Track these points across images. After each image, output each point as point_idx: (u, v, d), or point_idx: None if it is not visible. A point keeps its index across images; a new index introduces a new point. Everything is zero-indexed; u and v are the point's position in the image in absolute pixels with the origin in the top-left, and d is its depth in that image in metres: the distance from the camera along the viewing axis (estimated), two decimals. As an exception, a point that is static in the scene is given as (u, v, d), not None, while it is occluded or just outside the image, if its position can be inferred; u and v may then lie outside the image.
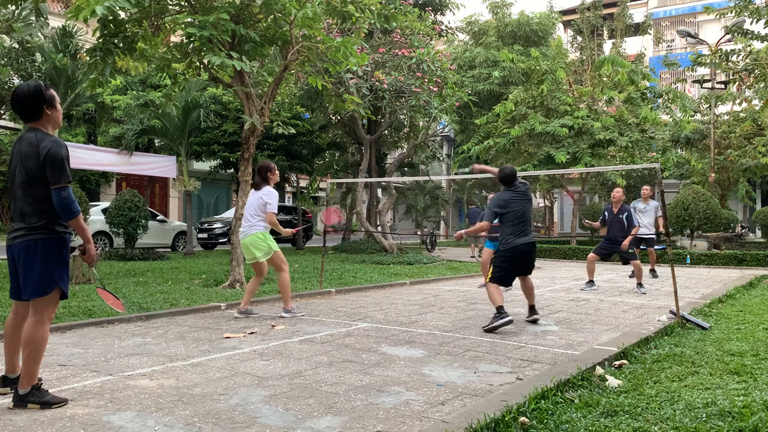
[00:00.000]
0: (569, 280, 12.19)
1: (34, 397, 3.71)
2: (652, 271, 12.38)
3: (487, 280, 6.52)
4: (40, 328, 3.74)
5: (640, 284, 10.00)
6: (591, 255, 10.35)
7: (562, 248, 18.66)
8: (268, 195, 7.03)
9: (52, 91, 3.86)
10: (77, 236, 3.89)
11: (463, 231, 6.94)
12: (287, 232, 7.52)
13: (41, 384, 3.79)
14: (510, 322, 6.24)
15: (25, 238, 3.72)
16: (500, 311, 6.27)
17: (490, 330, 6.24)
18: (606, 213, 10.24)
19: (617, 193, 10.23)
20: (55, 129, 3.87)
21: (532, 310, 6.87)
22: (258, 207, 7.03)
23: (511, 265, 6.53)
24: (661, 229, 11.29)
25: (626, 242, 9.80)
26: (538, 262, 16.78)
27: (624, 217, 9.97)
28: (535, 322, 6.78)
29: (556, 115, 19.77)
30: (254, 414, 3.65)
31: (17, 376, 3.89)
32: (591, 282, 10.35)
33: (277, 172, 7.32)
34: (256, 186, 7.20)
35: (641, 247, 12.29)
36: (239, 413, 3.66)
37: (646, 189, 12.13)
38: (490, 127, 21.74)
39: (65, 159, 3.69)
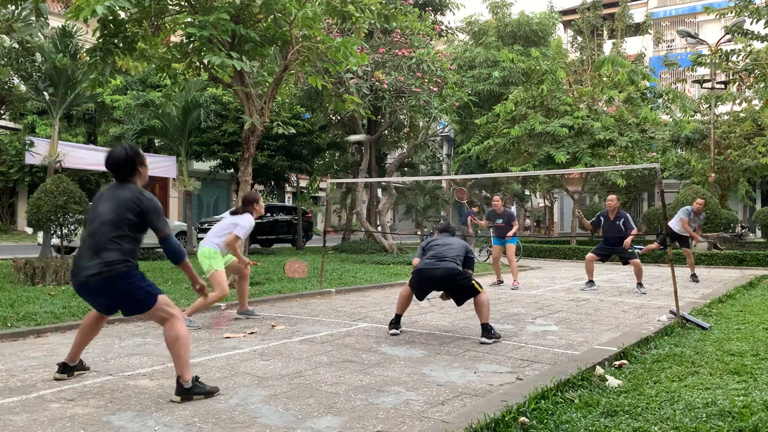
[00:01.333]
0: (569, 280, 12.19)
1: (197, 388, 3.96)
2: (693, 275, 11.94)
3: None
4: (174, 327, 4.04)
5: (640, 284, 10.01)
6: (589, 255, 10.37)
7: (562, 248, 18.66)
8: (243, 218, 6.77)
9: (142, 154, 4.23)
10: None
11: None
12: (246, 261, 7.17)
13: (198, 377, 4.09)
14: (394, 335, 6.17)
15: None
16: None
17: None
18: (602, 218, 10.21)
19: (611, 201, 10.19)
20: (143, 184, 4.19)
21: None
22: (226, 228, 6.76)
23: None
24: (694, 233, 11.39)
25: (627, 241, 9.81)
26: (538, 262, 16.90)
27: (621, 223, 9.97)
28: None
29: (556, 115, 19.77)
30: (254, 414, 3.65)
31: (75, 365, 4.41)
32: (591, 282, 10.36)
33: (263, 204, 7.13)
34: (235, 212, 7.03)
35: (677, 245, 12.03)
36: (239, 413, 3.66)
37: (699, 202, 11.86)
38: (490, 127, 21.74)
39: (161, 210, 4.11)
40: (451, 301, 8.69)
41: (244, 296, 7.16)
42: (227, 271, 6.90)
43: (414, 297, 6.30)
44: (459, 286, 6.01)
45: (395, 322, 6.27)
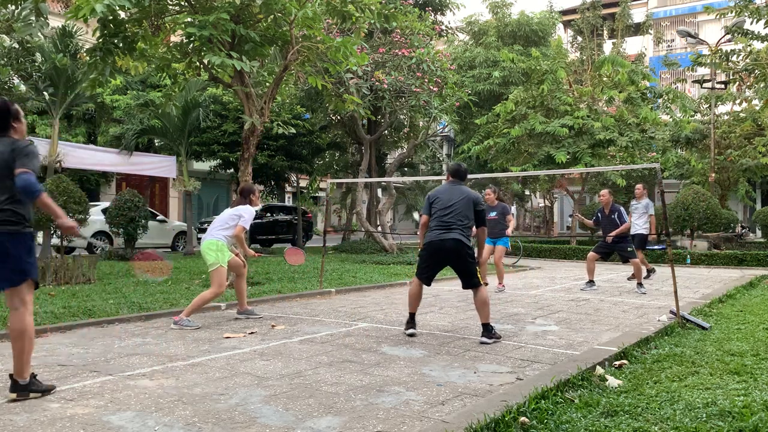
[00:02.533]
0: (569, 280, 12.18)
1: (34, 386, 3.91)
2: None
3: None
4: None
5: (640, 284, 10.00)
6: (591, 254, 10.37)
7: (562, 248, 18.66)
8: (245, 210, 6.88)
9: (17, 107, 4.07)
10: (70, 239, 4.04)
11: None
12: (251, 253, 7.33)
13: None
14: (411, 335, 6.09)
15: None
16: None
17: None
18: (599, 215, 10.35)
19: (603, 196, 10.31)
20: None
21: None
22: (228, 220, 6.85)
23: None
24: (653, 230, 11.32)
25: (613, 233, 9.90)
26: (538, 262, 16.89)
27: (615, 216, 10.07)
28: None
29: (556, 115, 19.76)
30: (254, 414, 3.65)
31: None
32: (591, 282, 10.35)
33: (259, 195, 7.27)
34: (234, 204, 7.12)
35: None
36: (239, 413, 3.66)
37: (639, 187, 11.95)
38: (490, 127, 21.73)
39: (38, 156, 3.90)
40: (452, 301, 8.75)
41: (243, 295, 7.12)
42: (232, 267, 6.93)
43: (423, 288, 6.17)
44: (466, 264, 5.91)
45: (410, 322, 6.17)
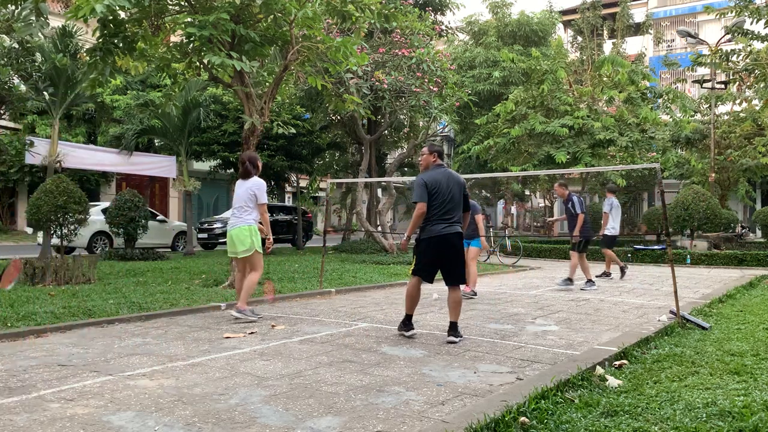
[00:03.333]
0: (569, 280, 12.16)
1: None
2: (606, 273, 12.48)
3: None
4: None
5: (569, 279, 10.49)
6: (572, 253, 10.70)
7: (562, 248, 18.65)
8: (258, 186, 6.90)
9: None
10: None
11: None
12: (268, 232, 7.22)
13: None
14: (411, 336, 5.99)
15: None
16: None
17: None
18: (564, 206, 10.72)
19: (557, 190, 10.70)
20: None
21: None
22: (248, 199, 6.87)
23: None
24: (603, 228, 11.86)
25: (576, 230, 10.29)
26: (538, 262, 16.88)
27: (570, 206, 10.44)
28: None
29: (556, 115, 19.77)
30: (254, 414, 3.65)
31: None
32: (590, 281, 10.38)
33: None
34: (245, 176, 7.03)
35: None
36: (239, 413, 3.66)
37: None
38: (490, 127, 21.74)
39: None
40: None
41: (248, 294, 7.03)
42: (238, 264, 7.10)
43: (422, 287, 6.03)
44: (460, 260, 5.81)
45: (406, 323, 6.03)
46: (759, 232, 25.78)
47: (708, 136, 20.67)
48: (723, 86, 19.94)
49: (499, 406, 3.51)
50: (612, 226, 11.73)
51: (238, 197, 6.96)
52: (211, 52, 8.43)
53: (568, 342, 5.84)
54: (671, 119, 21.79)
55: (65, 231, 11.19)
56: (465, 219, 6.10)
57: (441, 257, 5.83)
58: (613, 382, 4.22)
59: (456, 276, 5.86)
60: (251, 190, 6.88)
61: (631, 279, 12.20)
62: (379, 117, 18.40)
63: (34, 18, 10.32)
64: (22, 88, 16.70)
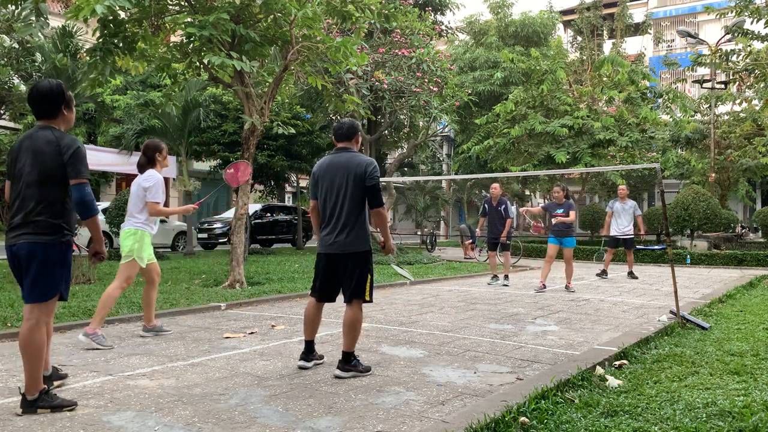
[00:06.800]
0: (569, 280, 12.16)
1: (43, 401, 3.61)
2: (630, 273, 12.48)
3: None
4: (37, 332, 3.64)
5: (496, 276, 10.95)
6: (490, 252, 11.32)
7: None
8: (148, 178, 5.73)
9: (71, 94, 3.83)
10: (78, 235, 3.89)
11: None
12: (182, 210, 6.53)
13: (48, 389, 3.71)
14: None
15: (29, 239, 3.58)
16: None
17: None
18: (486, 206, 10.83)
19: (494, 189, 10.76)
20: (66, 130, 3.79)
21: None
22: (138, 197, 5.76)
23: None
24: (641, 230, 11.79)
25: (504, 233, 10.54)
26: (538, 262, 16.86)
27: (502, 209, 10.64)
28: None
29: (556, 115, 19.76)
30: (254, 414, 3.65)
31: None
32: (496, 277, 11.05)
33: (168, 156, 5.98)
34: (141, 168, 5.89)
35: (619, 248, 12.70)
36: (239, 413, 3.66)
37: (622, 188, 12.51)
38: (490, 127, 21.73)
39: (85, 156, 3.65)
40: (452, 301, 8.73)
41: (151, 308, 5.99)
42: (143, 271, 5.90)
43: (321, 305, 4.83)
44: (358, 273, 4.57)
45: (306, 351, 4.71)
46: (759, 232, 25.78)
47: (708, 136, 20.67)
48: (723, 86, 19.93)
49: (499, 406, 3.51)
50: (629, 228, 11.97)
51: (131, 194, 5.88)
52: (211, 52, 8.43)
53: (568, 342, 5.84)
54: (671, 119, 21.79)
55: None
56: (376, 219, 4.64)
57: (335, 272, 4.75)
58: (613, 382, 4.22)
59: (353, 290, 4.71)
60: (143, 184, 5.75)
61: (632, 279, 12.20)
62: (379, 117, 18.40)
63: (34, 18, 10.30)
64: (22, 88, 16.69)
